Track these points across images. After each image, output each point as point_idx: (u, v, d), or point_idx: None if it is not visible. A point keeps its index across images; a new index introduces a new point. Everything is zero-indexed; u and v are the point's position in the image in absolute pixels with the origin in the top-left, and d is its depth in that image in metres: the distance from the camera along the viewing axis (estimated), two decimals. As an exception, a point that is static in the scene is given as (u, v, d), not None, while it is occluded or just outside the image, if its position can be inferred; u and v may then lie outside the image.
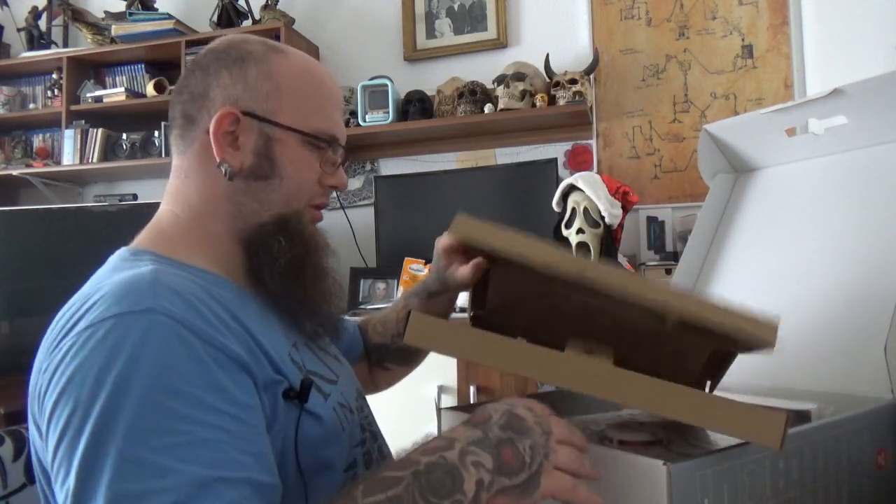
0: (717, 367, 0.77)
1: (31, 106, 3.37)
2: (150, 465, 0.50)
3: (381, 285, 2.75)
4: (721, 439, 0.74)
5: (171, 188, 0.74)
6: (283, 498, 0.59)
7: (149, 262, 0.66)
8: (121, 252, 0.71)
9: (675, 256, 2.33)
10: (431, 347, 0.64)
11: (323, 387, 0.71)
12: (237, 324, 0.63)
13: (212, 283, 0.66)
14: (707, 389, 0.79)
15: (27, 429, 0.83)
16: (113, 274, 0.64)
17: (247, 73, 0.70)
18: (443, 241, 0.87)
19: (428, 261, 2.68)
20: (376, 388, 1.04)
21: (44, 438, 0.58)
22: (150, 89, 3.08)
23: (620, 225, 2.24)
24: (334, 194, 0.79)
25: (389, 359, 1.00)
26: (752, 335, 0.62)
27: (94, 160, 3.10)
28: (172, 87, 3.06)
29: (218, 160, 0.69)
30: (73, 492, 0.51)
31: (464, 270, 0.82)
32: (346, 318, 0.95)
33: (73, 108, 3.14)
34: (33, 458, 0.65)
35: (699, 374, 0.76)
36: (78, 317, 0.58)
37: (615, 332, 0.66)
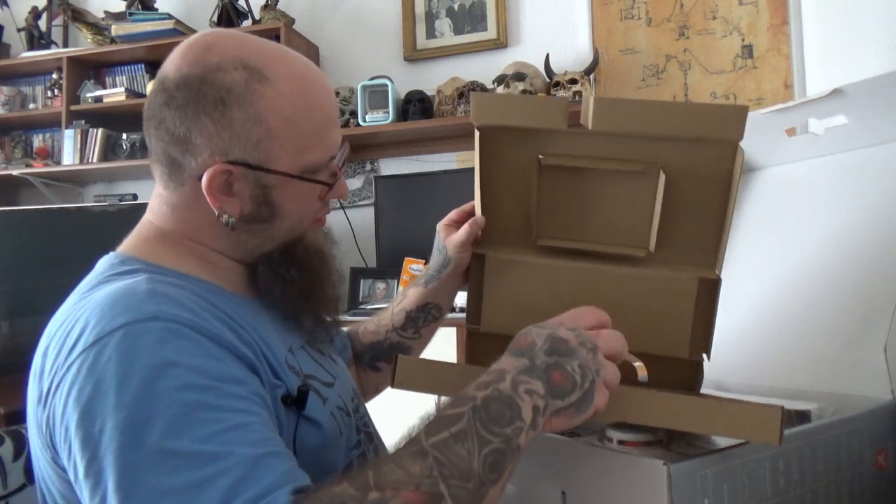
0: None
1: (31, 106, 3.37)
2: (199, 455, 0.50)
3: (381, 285, 2.75)
4: (721, 439, 0.74)
5: (157, 207, 0.71)
6: None
7: (140, 271, 0.65)
8: (109, 259, 0.70)
9: (675, 256, 2.32)
10: (420, 390, 0.64)
11: (321, 390, 0.71)
12: (238, 326, 0.63)
13: (204, 290, 0.66)
14: None
15: (27, 429, 0.83)
16: (104, 285, 0.63)
17: (232, 119, 0.64)
18: (443, 221, 0.92)
19: (427, 261, 2.67)
20: (364, 394, 0.99)
21: (63, 455, 0.57)
22: (150, 89, 3.07)
23: (620, 225, 2.24)
24: None
25: (382, 357, 0.98)
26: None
27: (94, 160, 3.10)
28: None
29: (216, 212, 0.66)
30: (115, 500, 0.50)
31: (459, 234, 0.85)
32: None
33: (73, 108, 3.14)
34: (33, 461, 0.65)
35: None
36: (77, 331, 0.57)
37: None
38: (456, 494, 0.48)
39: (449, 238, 0.88)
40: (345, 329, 1.02)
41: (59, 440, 0.57)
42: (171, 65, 0.67)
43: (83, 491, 0.53)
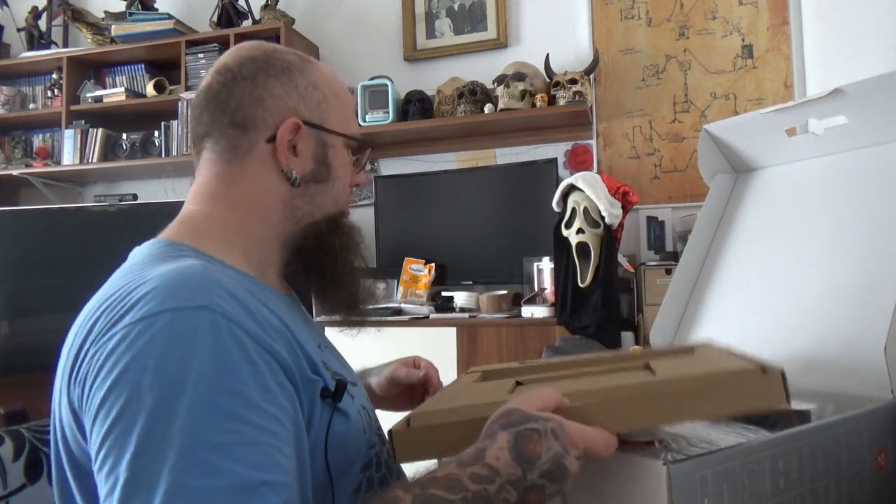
0: None
1: (31, 106, 3.37)
2: (203, 463, 0.51)
3: (381, 285, 2.75)
4: (721, 439, 0.74)
5: (208, 192, 0.74)
6: (312, 497, 0.61)
7: (191, 256, 0.66)
8: (155, 243, 0.70)
9: (675, 256, 2.33)
10: (425, 458, 0.65)
11: (349, 388, 0.72)
12: (281, 324, 0.64)
13: (249, 283, 0.67)
14: None
15: (27, 429, 0.83)
16: (156, 264, 0.64)
17: (297, 83, 0.74)
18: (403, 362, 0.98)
19: (428, 261, 2.68)
20: None
21: (84, 425, 0.58)
22: (150, 89, 3.08)
23: (620, 225, 2.24)
24: None
25: None
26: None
27: (94, 160, 3.10)
28: (172, 87, 3.07)
29: (283, 167, 0.72)
30: (124, 481, 0.51)
31: (409, 376, 0.94)
32: None
33: (73, 108, 3.14)
34: (57, 434, 0.64)
35: None
36: (128, 306, 0.58)
37: None
38: None
39: (396, 372, 0.96)
40: None
41: (84, 404, 0.57)
42: (229, 57, 0.75)
43: (96, 456, 0.54)
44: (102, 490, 0.53)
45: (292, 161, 0.73)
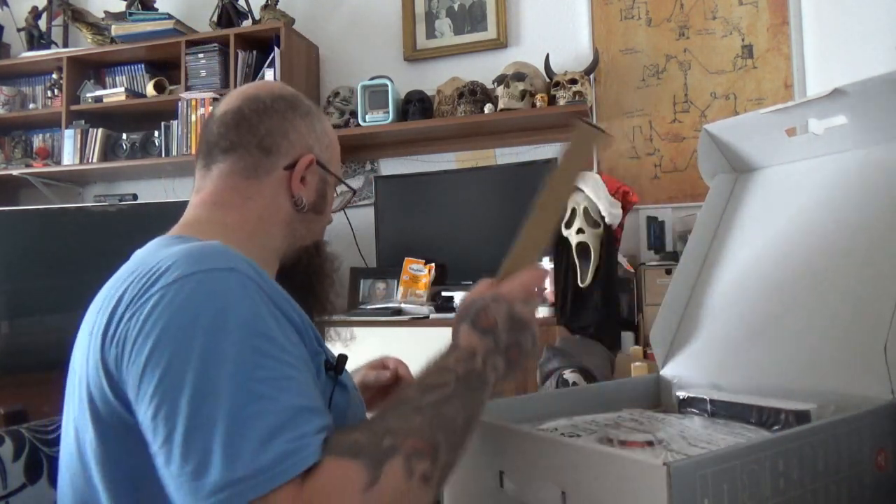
0: None
1: (31, 106, 3.37)
2: (253, 394, 0.58)
3: (381, 285, 2.75)
4: (721, 439, 0.74)
5: (221, 202, 0.82)
6: None
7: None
8: (162, 237, 0.77)
9: (675, 256, 2.33)
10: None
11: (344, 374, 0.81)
12: (286, 301, 0.72)
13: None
14: None
15: (27, 429, 0.83)
16: (172, 247, 0.70)
17: (314, 126, 0.87)
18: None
19: (428, 261, 2.68)
20: None
21: (121, 384, 0.63)
22: (150, 89, 3.08)
23: (620, 225, 2.24)
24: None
25: None
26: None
27: (94, 160, 3.10)
28: (172, 87, 3.08)
29: (294, 193, 0.84)
30: (184, 420, 0.57)
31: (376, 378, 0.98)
32: None
33: (73, 108, 3.14)
34: (78, 403, 0.68)
35: None
36: (158, 273, 0.64)
37: None
38: (447, 442, 0.62)
39: (365, 378, 0.99)
40: None
41: (124, 363, 0.62)
42: (258, 90, 0.86)
43: (146, 408, 0.59)
44: (157, 437, 0.58)
45: (301, 190, 0.84)
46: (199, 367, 0.58)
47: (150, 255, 0.70)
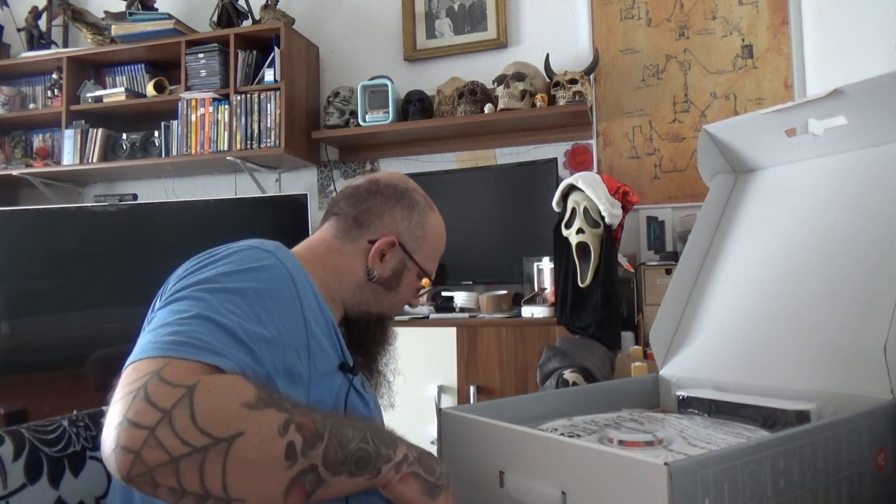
0: None
1: (31, 106, 3.37)
2: (219, 311, 0.71)
3: (381, 285, 2.75)
4: (721, 439, 0.74)
5: (316, 247, 0.97)
6: None
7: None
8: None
9: (675, 256, 2.33)
10: None
11: (364, 395, 0.90)
12: (325, 314, 0.85)
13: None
14: None
15: (27, 429, 0.83)
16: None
17: (412, 217, 1.00)
18: None
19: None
20: None
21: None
22: (150, 89, 3.08)
23: (620, 225, 2.24)
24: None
25: None
26: None
27: (94, 160, 3.10)
28: (172, 87, 3.08)
29: (369, 264, 0.96)
30: (167, 304, 0.73)
31: None
32: None
33: (73, 108, 3.14)
34: None
35: None
36: (215, 253, 0.81)
37: None
38: (330, 446, 0.66)
39: None
40: None
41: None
42: (383, 176, 1.03)
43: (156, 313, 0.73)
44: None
45: (377, 264, 0.96)
46: (207, 286, 0.73)
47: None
